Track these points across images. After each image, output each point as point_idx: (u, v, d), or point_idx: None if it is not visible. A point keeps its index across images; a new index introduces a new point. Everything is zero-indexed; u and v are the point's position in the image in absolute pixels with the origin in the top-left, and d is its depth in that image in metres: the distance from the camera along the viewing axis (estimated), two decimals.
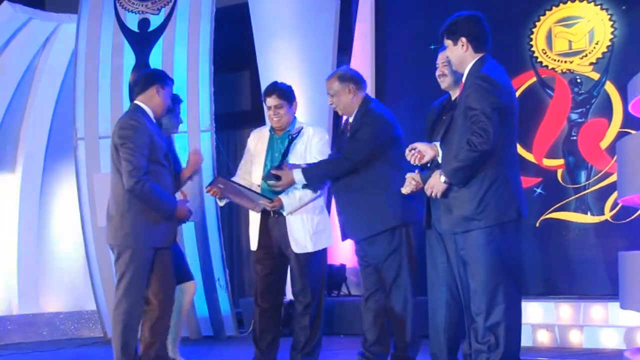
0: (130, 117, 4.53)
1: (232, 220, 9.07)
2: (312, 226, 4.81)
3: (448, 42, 4.03)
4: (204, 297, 7.23)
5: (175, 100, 5.09)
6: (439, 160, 4.12)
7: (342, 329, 7.20)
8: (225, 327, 7.39)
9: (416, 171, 4.30)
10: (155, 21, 7.44)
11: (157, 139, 4.53)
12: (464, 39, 3.97)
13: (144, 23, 7.46)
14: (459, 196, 3.90)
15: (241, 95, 8.84)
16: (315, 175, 4.66)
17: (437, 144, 4.15)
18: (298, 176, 4.63)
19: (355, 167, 4.60)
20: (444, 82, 4.40)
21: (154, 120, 4.61)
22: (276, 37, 7.75)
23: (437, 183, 3.94)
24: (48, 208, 7.92)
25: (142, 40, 7.42)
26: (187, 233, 7.20)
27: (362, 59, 7.96)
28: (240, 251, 9.16)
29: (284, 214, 4.77)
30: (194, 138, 7.19)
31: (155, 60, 7.36)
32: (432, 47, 7.09)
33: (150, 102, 4.58)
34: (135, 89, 4.66)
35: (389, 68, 8.04)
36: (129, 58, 7.39)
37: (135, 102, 4.61)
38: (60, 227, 7.99)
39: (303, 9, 7.71)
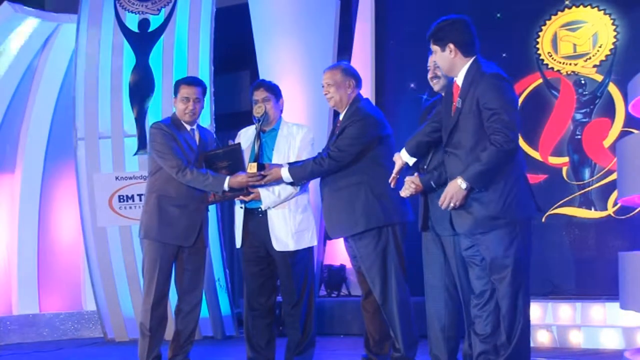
0: (154, 122, 5.00)
1: (232, 220, 9.04)
2: (294, 225, 4.78)
3: (435, 48, 3.99)
4: (204, 298, 7.21)
5: None
6: (410, 163, 4.15)
7: (342, 329, 7.20)
8: (225, 327, 7.40)
9: (415, 174, 4.29)
10: (155, 21, 7.44)
11: (182, 144, 4.83)
12: (451, 45, 3.93)
13: (144, 23, 7.46)
14: (481, 197, 3.81)
15: (241, 95, 8.84)
16: (301, 174, 4.64)
17: (399, 153, 4.19)
18: (285, 174, 4.63)
19: (342, 167, 4.60)
20: (437, 85, 4.39)
21: (187, 127, 4.95)
22: (276, 37, 7.76)
23: (457, 191, 3.80)
24: (48, 208, 7.92)
25: (142, 40, 7.41)
26: None
27: (362, 59, 7.96)
28: (240, 251, 9.14)
29: (262, 207, 4.75)
30: None
31: (155, 60, 7.35)
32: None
33: (177, 112, 4.98)
34: None
35: (389, 68, 8.05)
36: (129, 58, 7.39)
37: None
38: (60, 227, 7.99)
39: (303, 9, 7.71)
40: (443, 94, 4.35)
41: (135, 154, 7.27)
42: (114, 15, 7.47)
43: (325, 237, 7.68)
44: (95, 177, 7.29)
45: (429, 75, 4.48)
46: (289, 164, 4.69)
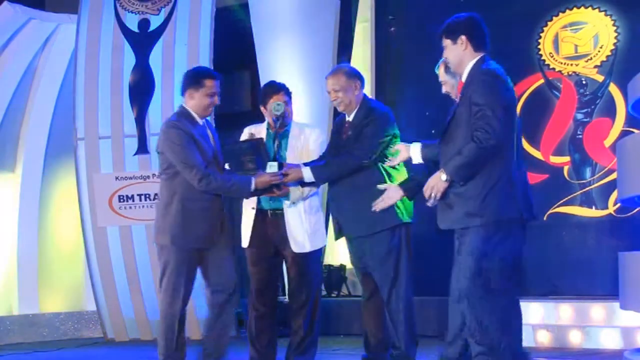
0: (170, 121, 4.62)
1: (232, 220, 9.03)
2: (310, 225, 4.80)
3: (447, 42, 4.00)
4: (204, 297, 7.22)
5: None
6: (414, 160, 4.19)
7: (342, 329, 7.20)
8: None
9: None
10: (155, 21, 7.44)
11: (200, 140, 4.58)
12: (463, 37, 3.94)
13: (144, 23, 7.46)
14: (462, 192, 3.83)
15: (241, 95, 8.84)
16: (324, 174, 4.63)
17: (414, 145, 4.19)
18: (307, 173, 4.60)
19: (364, 165, 4.59)
20: (453, 96, 4.40)
21: (199, 121, 4.65)
22: (276, 36, 7.75)
23: (438, 182, 3.85)
24: (48, 208, 7.92)
25: (142, 40, 7.41)
26: None
27: (362, 59, 7.96)
28: (240, 251, 9.13)
29: (287, 202, 4.76)
30: None
31: (155, 60, 7.35)
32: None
33: (189, 105, 4.65)
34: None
35: (389, 68, 8.06)
36: (129, 58, 7.39)
37: (181, 103, 4.70)
38: (60, 228, 7.99)
39: (303, 8, 7.70)
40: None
41: (135, 154, 7.28)
42: (114, 15, 7.47)
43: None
44: (95, 177, 7.29)
45: (443, 91, 4.48)
46: (309, 163, 4.67)
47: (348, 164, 4.59)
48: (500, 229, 3.82)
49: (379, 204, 4.35)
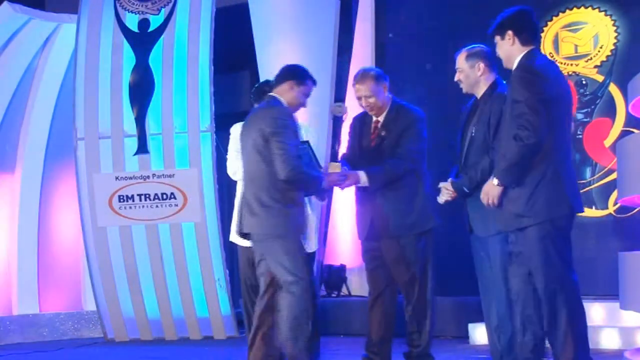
0: (276, 106, 4.48)
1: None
2: (314, 226, 4.87)
3: (497, 38, 3.98)
4: (204, 297, 7.23)
5: None
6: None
7: (342, 329, 7.20)
8: (225, 327, 7.39)
9: (449, 180, 4.31)
10: (155, 21, 7.44)
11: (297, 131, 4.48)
12: (510, 32, 3.91)
13: (144, 23, 7.46)
14: (510, 194, 3.82)
15: (241, 95, 8.83)
16: (380, 180, 4.60)
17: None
18: (363, 178, 4.58)
19: (415, 168, 4.61)
20: (463, 88, 4.39)
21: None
22: (276, 37, 7.75)
23: (491, 188, 3.85)
24: (48, 208, 7.92)
25: (142, 40, 7.42)
26: (187, 233, 7.21)
27: (362, 59, 7.96)
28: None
29: (321, 203, 4.87)
30: (194, 138, 7.19)
31: (155, 60, 7.35)
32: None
33: (284, 96, 4.55)
34: (275, 80, 4.64)
35: (389, 68, 8.05)
36: (129, 58, 7.39)
37: (271, 93, 4.59)
38: (60, 227, 7.99)
39: (303, 9, 7.71)
40: (475, 94, 4.34)
41: (135, 154, 7.27)
42: (114, 15, 7.47)
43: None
44: (95, 177, 7.29)
45: (455, 79, 4.47)
46: (365, 169, 4.63)
47: (398, 169, 4.59)
48: (553, 226, 3.78)
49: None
